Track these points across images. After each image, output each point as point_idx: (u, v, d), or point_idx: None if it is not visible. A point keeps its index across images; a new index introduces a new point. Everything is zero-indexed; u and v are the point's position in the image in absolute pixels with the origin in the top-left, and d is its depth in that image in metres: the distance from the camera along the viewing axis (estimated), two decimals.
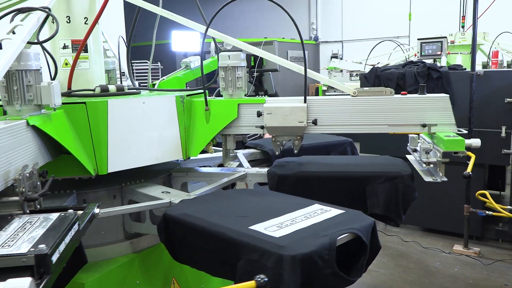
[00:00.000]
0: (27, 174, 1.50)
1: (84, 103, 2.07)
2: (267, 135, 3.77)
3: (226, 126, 2.45)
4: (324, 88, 7.17)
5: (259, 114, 2.37)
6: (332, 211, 1.76)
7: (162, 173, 2.56)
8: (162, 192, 2.26)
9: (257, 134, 3.04)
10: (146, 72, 3.74)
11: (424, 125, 2.23)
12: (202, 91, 2.50)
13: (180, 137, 2.42)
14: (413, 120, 2.27)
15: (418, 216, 5.19)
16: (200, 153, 2.57)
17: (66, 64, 2.47)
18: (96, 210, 1.70)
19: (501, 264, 4.45)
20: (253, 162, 3.11)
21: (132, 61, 3.18)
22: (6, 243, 1.20)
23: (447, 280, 4.21)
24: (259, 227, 1.59)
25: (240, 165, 2.76)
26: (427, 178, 2.18)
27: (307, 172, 2.38)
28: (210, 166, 2.91)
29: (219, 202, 1.98)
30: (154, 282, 2.39)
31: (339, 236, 1.52)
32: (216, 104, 2.44)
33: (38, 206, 1.55)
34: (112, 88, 2.43)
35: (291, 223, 1.65)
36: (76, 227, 1.42)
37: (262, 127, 2.42)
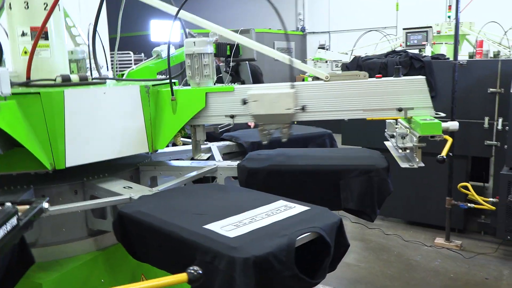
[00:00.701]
0: None
1: (39, 93, 1.96)
2: (251, 124, 3.68)
3: (194, 116, 2.35)
4: (310, 79, 7.07)
5: (244, 102, 2.25)
6: (297, 208, 1.66)
7: (129, 167, 2.46)
8: (124, 187, 2.15)
9: (230, 125, 2.95)
10: (130, 64, 3.63)
11: (400, 109, 2.14)
12: (169, 81, 2.40)
13: (146, 129, 2.32)
14: (389, 104, 2.17)
15: (400, 209, 5.16)
16: (172, 145, 2.48)
17: (26, 52, 2.35)
18: (45, 205, 1.61)
19: (482, 258, 4.42)
20: (229, 155, 3.02)
21: (112, 52, 3.06)
22: None
23: (428, 274, 4.17)
24: (214, 226, 1.50)
25: (213, 158, 2.67)
26: (403, 164, 2.11)
27: (278, 166, 2.28)
28: (183, 159, 2.82)
29: (179, 199, 1.89)
30: (121, 280, 2.30)
31: (299, 236, 1.42)
32: (183, 94, 2.35)
33: None
34: (74, 78, 2.32)
35: (250, 221, 1.55)
36: (14, 221, 1.32)
37: (232, 116, 2.33)
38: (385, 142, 2.47)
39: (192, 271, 1.06)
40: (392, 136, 2.36)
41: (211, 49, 2.38)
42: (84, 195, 2.26)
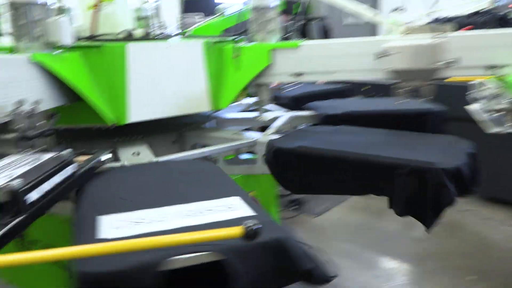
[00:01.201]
0: (26, 112, 1.39)
1: (102, 46, 1.94)
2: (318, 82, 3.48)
3: (258, 74, 2.25)
4: None
5: (381, 55, 2.00)
6: (239, 212, 1.20)
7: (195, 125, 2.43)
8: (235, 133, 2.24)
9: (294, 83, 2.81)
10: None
11: (491, 67, 1.90)
12: (234, 38, 2.31)
13: (208, 87, 2.25)
14: (477, 61, 1.93)
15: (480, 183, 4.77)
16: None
17: (91, 7, 2.34)
18: (104, 157, 1.60)
19: None
20: None
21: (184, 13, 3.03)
22: None
23: (507, 255, 3.84)
24: None
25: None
26: (493, 129, 1.86)
27: (309, 149, 1.83)
28: None
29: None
30: None
31: (178, 255, 0.94)
32: (247, 50, 2.24)
33: (45, 147, 1.45)
34: (138, 33, 2.30)
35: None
36: (70, 169, 1.30)
37: (298, 75, 2.19)
38: (468, 107, 2.17)
39: (249, 225, 0.88)
40: (479, 98, 2.08)
41: (276, 2, 2.24)
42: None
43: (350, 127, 2.17)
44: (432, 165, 1.60)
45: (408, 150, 1.81)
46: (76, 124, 2.00)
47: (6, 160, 1.27)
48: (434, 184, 1.57)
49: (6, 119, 1.34)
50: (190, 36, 2.61)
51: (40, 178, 1.11)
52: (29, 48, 1.65)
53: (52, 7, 1.69)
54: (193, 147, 2.41)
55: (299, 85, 3.13)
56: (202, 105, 2.26)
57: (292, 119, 2.41)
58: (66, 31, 1.68)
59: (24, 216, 1.01)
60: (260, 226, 0.87)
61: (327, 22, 3.99)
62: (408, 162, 1.62)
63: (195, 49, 2.20)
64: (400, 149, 1.82)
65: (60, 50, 1.75)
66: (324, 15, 3.15)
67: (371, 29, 4.70)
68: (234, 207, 1.22)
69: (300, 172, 1.83)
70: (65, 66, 1.71)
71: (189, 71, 2.19)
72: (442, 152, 1.82)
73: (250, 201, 1.25)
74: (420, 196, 1.59)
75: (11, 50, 1.66)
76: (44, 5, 1.66)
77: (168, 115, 2.15)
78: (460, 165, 1.62)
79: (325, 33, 3.92)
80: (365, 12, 2.10)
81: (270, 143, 1.92)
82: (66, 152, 1.34)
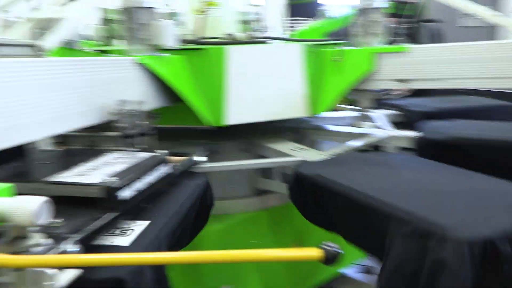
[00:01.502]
0: (128, 111, 1.44)
1: (203, 49, 1.97)
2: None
3: (359, 79, 2.14)
4: None
5: None
6: None
7: (289, 130, 2.37)
8: (292, 149, 2.07)
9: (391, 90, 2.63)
10: None
11: None
12: (334, 42, 2.22)
13: (306, 91, 2.19)
14: None
15: None
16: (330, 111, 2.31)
17: (197, 11, 2.41)
18: (198, 158, 1.61)
19: None
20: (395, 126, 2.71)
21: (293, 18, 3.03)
22: (84, 174, 1.15)
23: None
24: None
25: (377, 127, 2.41)
26: None
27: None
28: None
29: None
30: (282, 241, 2.24)
31: None
32: (349, 54, 2.14)
33: (146, 146, 1.49)
34: (240, 36, 2.31)
35: None
36: (164, 169, 1.32)
37: (403, 81, 2.05)
38: None
39: (329, 248, 0.81)
40: None
41: (382, 4, 2.11)
42: (249, 154, 2.25)
43: (413, 160, 1.84)
44: (443, 229, 1.06)
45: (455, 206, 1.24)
46: (175, 124, 2.06)
47: (106, 157, 1.32)
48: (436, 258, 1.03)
49: (110, 118, 1.40)
50: (290, 40, 2.56)
51: (135, 177, 1.13)
52: (136, 50, 1.73)
53: (159, 11, 1.75)
54: (313, 143, 2.37)
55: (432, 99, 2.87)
56: (299, 110, 2.20)
57: (388, 138, 2.13)
58: (170, 34, 1.73)
59: (117, 214, 1.04)
60: (341, 251, 0.80)
61: (439, 25, 3.73)
62: (412, 218, 1.15)
63: (294, 52, 2.15)
64: (441, 204, 1.27)
65: (164, 53, 1.80)
66: (436, 18, 2.91)
67: (488, 31, 4.29)
68: None
69: (314, 202, 1.63)
70: (168, 68, 1.76)
71: (287, 74, 2.14)
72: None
73: None
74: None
75: (120, 53, 1.75)
76: (151, 9, 1.72)
77: (265, 119, 2.13)
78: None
79: (437, 37, 3.66)
80: (485, 14, 1.89)
81: (297, 165, 1.77)
82: (162, 152, 1.36)
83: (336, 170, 1.65)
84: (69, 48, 1.99)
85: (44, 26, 1.34)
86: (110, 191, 1.03)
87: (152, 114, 1.60)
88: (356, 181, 1.49)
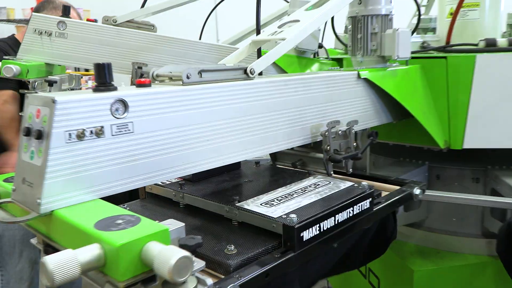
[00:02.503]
0: (338, 131, 1.32)
1: (445, 57, 1.68)
2: None
3: None
4: None
5: None
6: None
7: None
8: None
9: None
10: None
11: None
12: None
13: None
14: None
15: None
16: None
17: (451, 14, 2.07)
18: (417, 191, 1.38)
19: None
20: None
21: None
22: (274, 200, 1.10)
23: None
24: None
25: None
26: None
27: None
28: None
29: None
30: None
31: None
32: None
33: (350, 170, 1.36)
34: (502, 42, 1.89)
35: None
36: (365, 204, 1.15)
37: None
38: None
39: None
40: None
41: None
42: (485, 186, 1.87)
43: None
44: None
45: None
46: (397, 141, 1.85)
47: (305, 183, 1.25)
48: None
49: (320, 139, 1.30)
50: None
51: (319, 215, 1.02)
52: (361, 62, 1.58)
53: (391, 18, 1.55)
54: None
55: None
56: None
57: None
58: (404, 43, 1.51)
59: (294, 254, 0.95)
60: None
61: None
62: None
63: None
64: None
65: (394, 64, 1.60)
66: None
67: None
68: None
69: None
70: (396, 82, 1.55)
71: None
72: None
73: None
74: None
75: (335, 64, 1.63)
76: (386, 16, 1.54)
77: (510, 146, 1.71)
78: None
79: None
80: None
81: None
82: (366, 183, 1.20)
83: None
84: (303, 57, 1.99)
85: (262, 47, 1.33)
86: (287, 230, 0.95)
87: (370, 133, 1.45)
88: None
